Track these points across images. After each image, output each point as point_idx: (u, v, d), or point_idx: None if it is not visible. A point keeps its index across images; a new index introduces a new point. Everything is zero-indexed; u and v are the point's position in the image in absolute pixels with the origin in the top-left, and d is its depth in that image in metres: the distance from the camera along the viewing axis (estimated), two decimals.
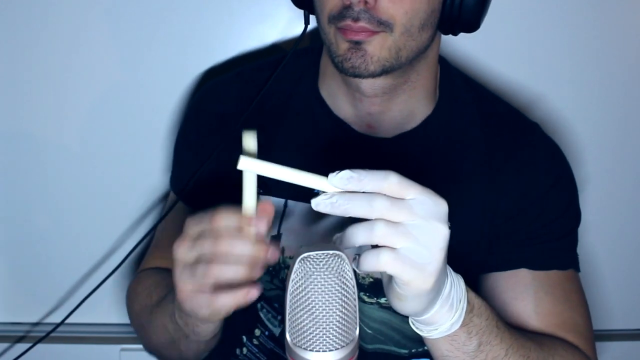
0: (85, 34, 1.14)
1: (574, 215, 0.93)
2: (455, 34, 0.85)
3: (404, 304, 0.61)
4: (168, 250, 0.95)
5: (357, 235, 0.57)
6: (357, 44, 0.78)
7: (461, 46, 1.12)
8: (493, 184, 0.89)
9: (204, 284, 0.62)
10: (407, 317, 0.89)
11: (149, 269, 0.97)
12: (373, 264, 0.57)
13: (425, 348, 0.92)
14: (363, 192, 0.57)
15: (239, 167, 0.58)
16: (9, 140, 1.19)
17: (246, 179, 0.61)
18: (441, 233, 0.58)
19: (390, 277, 0.60)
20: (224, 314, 0.66)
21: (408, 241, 0.56)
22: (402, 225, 0.56)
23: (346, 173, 0.56)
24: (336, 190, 0.57)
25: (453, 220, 0.60)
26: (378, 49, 0.78)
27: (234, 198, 0.92)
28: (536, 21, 1.16)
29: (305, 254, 0.57)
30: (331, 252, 0.57)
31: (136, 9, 1.13)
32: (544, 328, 0.87)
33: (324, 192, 0.58)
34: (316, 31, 0.89)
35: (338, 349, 0.57)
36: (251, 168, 0.58)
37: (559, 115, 1.19)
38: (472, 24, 0.83)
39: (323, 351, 0.57)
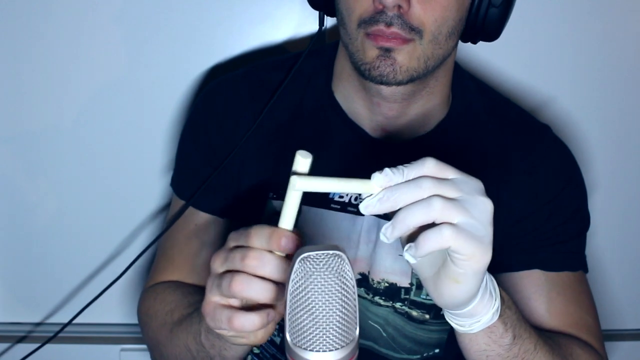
0: (85, 36, 1.14)
1: (584, 218, 0.95)
2: (475, 42, 0.86)
3: (461, 286, 0.60)
4: (179, 260, 0.95)
5: (414, 215, 0.56)
6: (387, 51, 0.77)
7: (470, 50, 1.12)
8: (506, 185, 0.90)
9: (228, 296, 0.62)
10: (421, 322, 0.90)
11: (165, 283, 0.95)
12: (437, 241, 0.56)
13: (437, 351, 0.92)
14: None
15: (296, 188, 0.58)
16: (12, 140, 1.19)
17: (290, 196, 0.60)
18: (488, 206, 0.59)
19: (443, 263, 0.60)
20: (252, 340, 0.66)
21: (465, 215, 0.57)
22: (456, 200, 0.57)
23: (388, 170, 0.57)
24: (380, 190, 0.58)
25: None
26: (407, 59, 0.78)
27: (248, 199, 0.91)
28: (544, 24, 1.16)
29: (305, 254, 0.57)
30: (331, 252, 0.57)
31: (137, 9, 1.13)
32: (557, 327, 0.88)
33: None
34: (316, 34, 0.89)
35: (338, 349, 0.57)
36: (306, 187, 0.58)
37: (568, 117, 1.20)
38: (494, 33, 0.84)
39: (323, 351, 0.56)
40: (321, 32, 0.90)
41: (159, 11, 1.14)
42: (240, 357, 0.75)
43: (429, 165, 0.58)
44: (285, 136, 0.92)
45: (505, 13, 0.82)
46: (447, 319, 0.68)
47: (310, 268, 0.56)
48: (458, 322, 0.67)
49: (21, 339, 1.25)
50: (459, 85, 0.92)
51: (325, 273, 0.56)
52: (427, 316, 0.91)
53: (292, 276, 0.57)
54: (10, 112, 1.18)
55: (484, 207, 0.59)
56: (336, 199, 0.90)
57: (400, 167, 0.58)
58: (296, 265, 0.57)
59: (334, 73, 0.92)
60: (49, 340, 0.97)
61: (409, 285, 0.89)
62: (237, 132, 0.91)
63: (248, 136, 0.90)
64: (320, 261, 0.56)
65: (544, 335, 0.79)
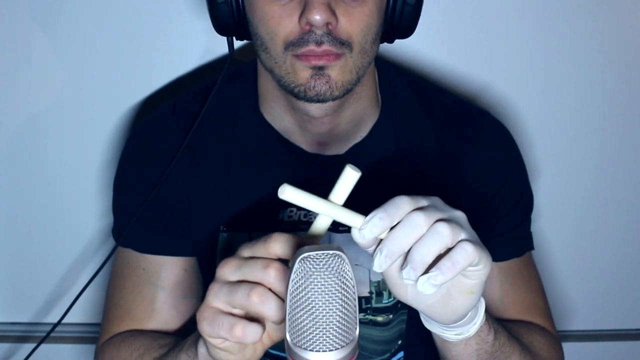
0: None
1: (528, 200, 0.96)
2: (391, 41, 0.86)
3: (475, 295, 0.61)
4: (135, 309, 0.91)
5: (430, 251, 0.57)
6: (320, 70, 0.76)
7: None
8: (451, 180, 0.90)
9: (236, 306, 0.60)
10: (385, 324, 0.90)
11: (125, 332, 0.91)
12: (465, 259, 0.57)
13: (400, 342, 0.93)
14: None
15: (284, 196, 0.58)
16: (8, 139, 1.18)
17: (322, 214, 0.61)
18: (464, 215, 0.60)
19: (452, 282, 0.60)
20: (248, 355, 0.64)
21: (464, 229, 0.58)
22: (450, 219, 0.58)
23: (376, 218, 0.58)
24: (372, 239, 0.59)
25: None
26: (341, 73, 0.77)
27: (199, 234, 0.91)
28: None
29: (305, 254, 0.57)
30: (331, 252, 0.57)
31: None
32: (511, 316, 0.90)
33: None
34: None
35: (338, 349, 0.57)
36: (293, 199, 0.59)
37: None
38: (410, 30, 0.84)
39: (323, 351, 0.56)
40: (233, 57, 0.89)
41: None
42: None
43: (407, 202, 0.58)
44: (226, 165, 0.91)
45: (418, 8, 0.82)
46: (440, 334, 0.68)
47: (310, 268, 0.56)
48: (457, 332, 0.67)
49: (18, 339, 1.25)
50: (386, 84, 0.92)
51: (325, 273, 0.56)
52: (391, 316, 0.90)
53: (292, 276, 0.57)
54: (14, 111, 1.17)
55: (463, 217, 0.60)
56: (285, 219, 0.89)
57: (380, 212, 0.58)
58: (296, 265, 0.57)
59: (259, 95, 0.91)
60: (42, 340, 0.96)
61: (368, 295, 0.89)
62: (174, 167, 0.90)
63: (190, 170, 0.89)
64: (320, 261, 0.57)
65: (509, 325, 0.80)
